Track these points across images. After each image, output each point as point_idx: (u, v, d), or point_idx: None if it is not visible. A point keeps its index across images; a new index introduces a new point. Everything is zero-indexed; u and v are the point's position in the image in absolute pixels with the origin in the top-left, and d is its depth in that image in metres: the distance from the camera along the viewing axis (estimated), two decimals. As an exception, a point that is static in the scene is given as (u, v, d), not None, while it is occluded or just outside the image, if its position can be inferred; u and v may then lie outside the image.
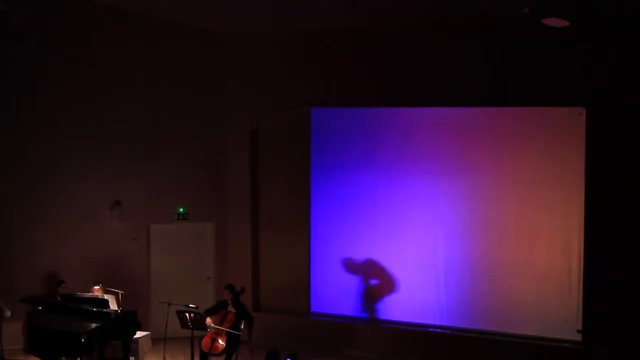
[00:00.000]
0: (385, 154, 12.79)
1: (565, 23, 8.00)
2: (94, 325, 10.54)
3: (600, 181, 11.20)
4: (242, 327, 11.35)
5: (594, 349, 11.25)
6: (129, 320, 11.26)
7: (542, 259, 11.73)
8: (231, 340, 11.14)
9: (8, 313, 11.36)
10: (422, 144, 12.53)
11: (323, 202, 13.35)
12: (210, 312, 11.33)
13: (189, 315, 10.99)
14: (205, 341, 11.19)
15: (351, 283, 13.13)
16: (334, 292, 13.29)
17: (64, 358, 10.66)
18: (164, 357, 11.83)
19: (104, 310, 10.96)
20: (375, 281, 12.98)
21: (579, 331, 11.45)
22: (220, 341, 11.10)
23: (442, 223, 12.42)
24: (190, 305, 11.23)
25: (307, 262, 13.42)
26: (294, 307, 13.48)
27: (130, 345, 11.28)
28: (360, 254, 13.04)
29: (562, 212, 11.61)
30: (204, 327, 11.07)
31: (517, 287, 11.91)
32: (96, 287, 11.92)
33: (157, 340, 12.05)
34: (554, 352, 11.51)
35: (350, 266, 13.12)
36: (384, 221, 12.82)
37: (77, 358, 10.60)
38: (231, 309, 11.31)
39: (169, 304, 11.39)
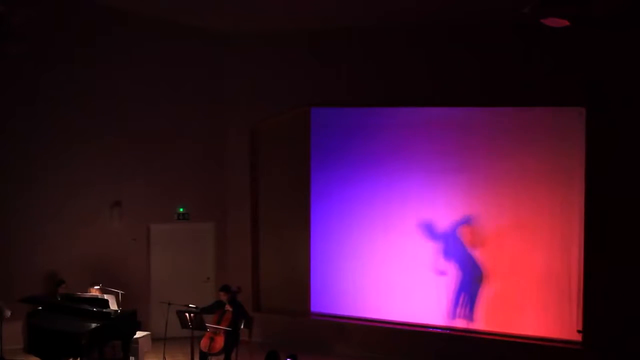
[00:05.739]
0: (385, 154, 12.79)
1: (566, 23, 7.99)
2: (94, 325, 10.54)
3: (600, 181, 11.21)
4: (241, 326, 11.36)
5: (594, 349, 11.25)
6: (129, 320, 11.26)
7: (542, 258, 11.74)
8: (229, 339, 11.15)
9: (8, 313, 11.36)
10: (421, 143, 12.53)
11: (323, 201, 13.35)
12: (206, 311, 11.33)
13: (189, 315, 10.99)
14: (204, 341, 11.22)
15: (351, 283, 13.13)
16: (334, 292, 13.29)
17: (64, 358, 10.67)
18: (164, 357, 11.83)
19: (104, 310, 10.96)
20: (374, 280, 12.99)
21: (579, 331, 11.46)
22: (218, 340, 11.11)
23: (441, 223, 12.42)
24: (190, 305, 11.23)
25: (307, 262, 13.42)
26: (294, 307, 13.48)
27: (130, 345, 11.28)
28: (360, 254, 13.03)
29: (562, 212, 11.61)
30: (204, 327, 11.08)
31: (517, 287, 11.92)
32: (96, 287, 11.91)
33: (157, 340, 12.05)
34: (554, 352, 11.51)
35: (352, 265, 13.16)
36: (383, 221, 12.82)
37: (77, 358, 10.61)
38: (228, 308, 11.31)
39: (169, 304, 11.39)
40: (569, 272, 11.59)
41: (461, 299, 12.34)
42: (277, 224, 13.75)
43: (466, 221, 12.26)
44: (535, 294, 11.78)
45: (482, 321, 12.20)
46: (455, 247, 12.35)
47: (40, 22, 11.96)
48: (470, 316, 12.28)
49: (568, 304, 11.60)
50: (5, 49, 10.64)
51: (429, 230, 12.51)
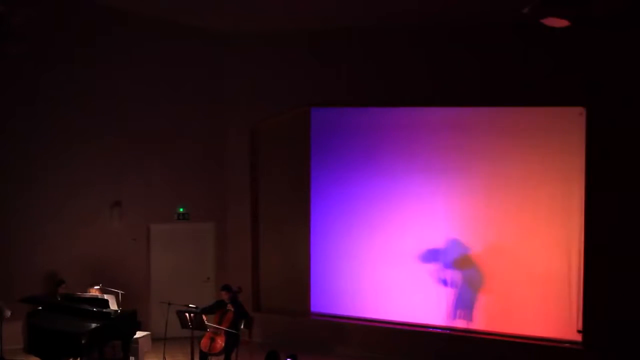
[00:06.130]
0: (384, 154, 12.79)
1: (566, 23, 7.98)
2: (94, 325, 10.54)
3: (600, 181, 11.21)
4: (241, 326, 11.36)
5: (594, 349, 11.25)
6: (129, 320, 11.26)
7: (542, 258, 11.74)
8: (230, 339, 11.15)
9: (8, 313, 11.36)
10: (421, 143, 12.54)
11: (323, 201, 13.35)
12: (207, 311, 11.33)
13: (189, 315, 10.99)
14: (204, 341, 11.22)
15: (351, 283, 13.13)
16: (334, 292, 13.29)
17: (64, 358, 10.67)
18: (164, 357, 11.83)
19: (104, 310, 10.96)
20: (374, 280, 12.99)
21: (579, 331, 11.46)
22: (218, 340, 11.12)
23: (441, 223, 12.42)
24: (190, 305, 11.23)
25: (307, 262, 13.43)
26: (294, 307, 13.49)
27: (130, 345, 11.28)
28: (359, 254, 13.03)
29: (562, 211, 11.61)
30: (204, 327, 11.08)
31: (517, 287, 11.92)
32: (96, 287, 11.90)
33: (157, 340, 12.05)
34: (554, 352, 11.51)
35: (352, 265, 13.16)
36: (383, 221, 12.82)
37: (77, 358, 10.61)
38: (230, 308, 11.32)
39: (169, 304, 11.39)
40: (569, 273, 11.59)
41: (461, 299, 12.33)
42: (277, 224, 13.75)
43: (465, 221, 12.27)
44: (535, 294, 11.77)
45: (482, 321, 12.19)
46: (455, 246, 12.34)
47: (40, 22, 11.95)
48: (470, 316, 12.28)
49: (568, 304, 11.60)
50: (5, 49, 10.64)
51: (429, 230, 12.50)
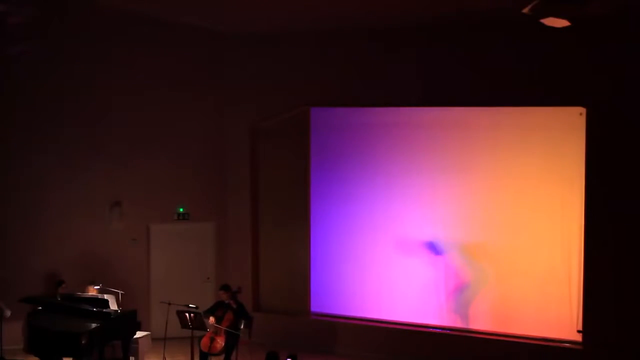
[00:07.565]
0: (384, 154, 12.79)
1: (566, 23, 7.97)
2: (94, 325, 10.56)
3: (600, 181, 11.21)
4: (241, 326, 11.36)
5: (594, 349, 11.26)
6: (129, 320, 11.27)
7: (542, 258, 11.73)
8: (230, 339, 11.16)
9: (8, 313, 11.37)
10: (421, 143, 12.53)
11: (323, 201, 13.35)
12: (208, 314, 11.33)
13: (189, 315, 10.99)
14: (204, 341, 11.23)
15: (351, 283, 13.13)
16: (334, 292, 13.29)
17: (64, 358, 10.68)
18: (164, 357, 11.83)
19: (104, 310, 10.98)
20: (374, 280, 12.99)
21: (579, 331, 11.46)
22: (219, 340, 11.12)
23: (441, 222, 12.41)
24: (190, 305, 11.23)
25: (307, 262, 13.42)
26: (294, 307, 13.48)
27: (130, 345, 11.29)
28: (360, 254, 13.03)
29: (562, 211, 11.61)
30: (204, 327, 11.08)
31: (517, 287, 11.92)
32: (95, 287, 11.90)
33: (157, 340, 12.05)
34: (554, 352, 11.51)
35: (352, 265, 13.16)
36: (383, 220, 12.82)
37: (77, 358, 10.61)
38: (233, 305, 11.32)
39: (169, 304, 11.39)
40: (569, 272, 11.58)
41: (461, 299, 12.33)
42: (277, 223, 13.75)
43: (465, 221, 12.27)
44: (535, 294, 11.77)
45: (482, 321, 12.19)
46: (455, 246, 12.34)
47: (41, 22, 11.97)
48: (470, 316, 12.27)
49: (568, 304, 11.60)
50: (6, 49, 10.67)
51: (429, 229, 12.50)
